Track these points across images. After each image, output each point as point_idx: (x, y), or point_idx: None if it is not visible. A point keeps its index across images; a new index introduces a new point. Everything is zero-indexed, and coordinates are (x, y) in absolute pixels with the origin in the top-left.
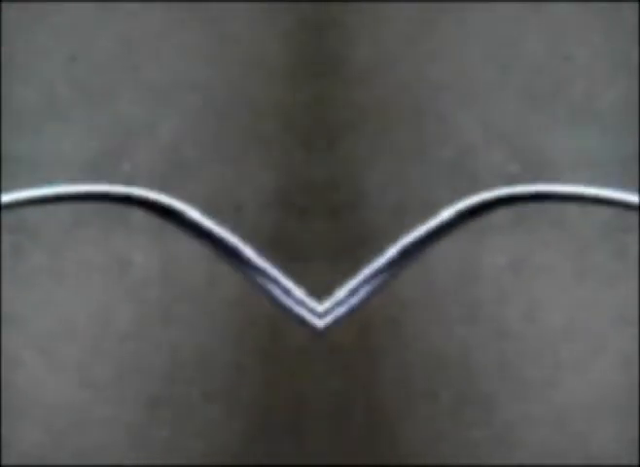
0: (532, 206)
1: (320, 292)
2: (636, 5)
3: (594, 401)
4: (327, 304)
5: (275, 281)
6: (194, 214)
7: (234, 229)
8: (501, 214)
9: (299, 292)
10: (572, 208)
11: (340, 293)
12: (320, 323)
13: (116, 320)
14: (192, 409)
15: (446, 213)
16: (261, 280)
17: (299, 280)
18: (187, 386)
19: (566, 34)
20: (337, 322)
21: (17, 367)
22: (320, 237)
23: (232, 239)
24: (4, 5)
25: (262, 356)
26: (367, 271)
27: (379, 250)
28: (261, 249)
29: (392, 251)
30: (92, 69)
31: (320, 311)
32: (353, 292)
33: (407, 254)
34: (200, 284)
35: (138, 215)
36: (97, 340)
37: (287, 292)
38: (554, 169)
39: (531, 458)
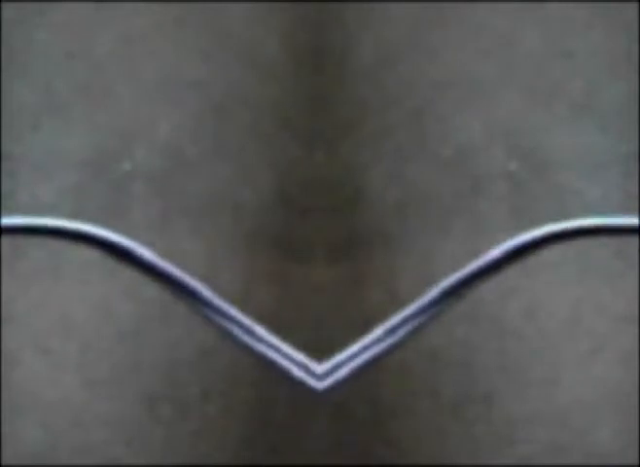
0: (532, 202)
1: (321, 293)
2: (636, 2)
3: (595, 399)
4: (327, 365)
5: (268, 343)
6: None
7: (234, 228)
8: (502, 211)
9: (295, 354)
10: (573, 205)
11: (342, 355)
12: (319, 385)
13: (115, 318)
14: (190, 407)
15: (495, 252)
16: (250, 341)
17: (299, 280)
18: (186, 385)
19: (566, 32)
20: (338, 384)
21: (16, 365)
22: (320, 237)
23: (225, 305)
24: (2, 3)
25: None
26: (373, 335)
27: (379, 249)
28: (261, 249)
29: (425, 299)
30: (91, 67)
31: (319, 373)
32: (356, 354)
33: (443, 299)
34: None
35: (138, 213)
36: (96, 338)
37: (282, 354)
38: (555, 168)
39: (532, 456)
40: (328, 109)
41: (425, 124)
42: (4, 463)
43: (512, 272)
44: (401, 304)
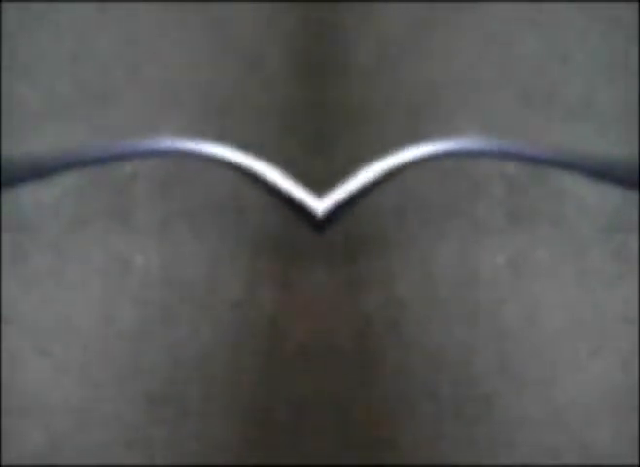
0: (531, 206)
1: (321, 297)
2: (633, 5)
3: (593, 401)
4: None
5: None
6: None
7: (237, 230)
8: (499, 214)
9: (298, 191)
10: (571, 207)
11: (340, 193)
12: (320, 207)
13: (117, 320)
14: (191, 408)
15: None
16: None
17: (300, 281)
18: (187, 386)
19: (564, 34)
20: (336, 210)
21: (18, 367)
22: (319, 239)
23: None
24: (5, 4)
25: (262, 357)
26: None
27: (378, 251)
28: (263, 251)
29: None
30: (94, 69)
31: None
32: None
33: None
34: (201, 285)
35: (140, 215)
36: (98, 340)
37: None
38: (552, 171)
39: (530, 457)
40: (327, 110)
41: (423, 124)
42: (6, 464)
43: (510, 274)
44: (400, 304)
